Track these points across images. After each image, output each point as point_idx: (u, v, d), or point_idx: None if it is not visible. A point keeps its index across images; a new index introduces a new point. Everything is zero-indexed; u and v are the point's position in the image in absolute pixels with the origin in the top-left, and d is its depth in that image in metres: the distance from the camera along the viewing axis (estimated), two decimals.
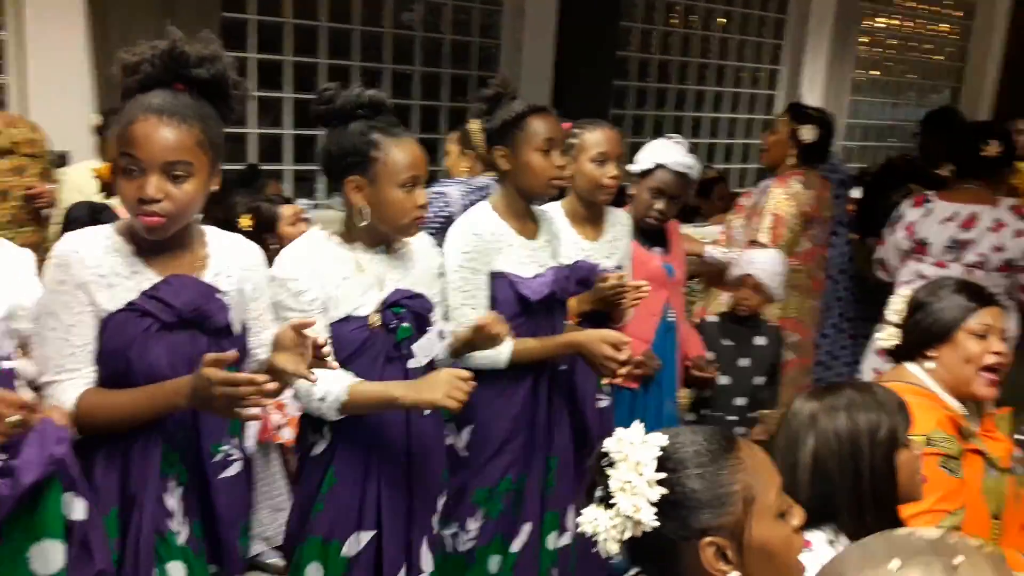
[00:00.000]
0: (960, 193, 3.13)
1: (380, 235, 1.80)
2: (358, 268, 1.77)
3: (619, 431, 1.10)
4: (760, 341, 2.95)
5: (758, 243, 3.20)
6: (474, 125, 2.15)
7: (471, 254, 2.02)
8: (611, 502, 1.06)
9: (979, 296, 1.91)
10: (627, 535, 1.06)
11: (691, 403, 2.92)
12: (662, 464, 1.07)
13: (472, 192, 2.96)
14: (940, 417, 1.80)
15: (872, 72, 6.91)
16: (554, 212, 2.32)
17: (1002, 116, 7.42)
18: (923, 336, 1.91)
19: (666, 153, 2.55)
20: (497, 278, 2.06)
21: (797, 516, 1.12)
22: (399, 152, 1.71)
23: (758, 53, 6.01)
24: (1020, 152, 4.53)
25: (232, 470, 1.56)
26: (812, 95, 6.22)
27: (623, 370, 2.04)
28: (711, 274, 3.26)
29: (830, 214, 3.51)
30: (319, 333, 1.57)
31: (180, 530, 1.49)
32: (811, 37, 6.03)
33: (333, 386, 1.67)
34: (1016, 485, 1.88)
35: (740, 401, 2.94)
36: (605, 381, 2.24)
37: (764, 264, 2.92)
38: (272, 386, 1.34)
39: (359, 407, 1.70)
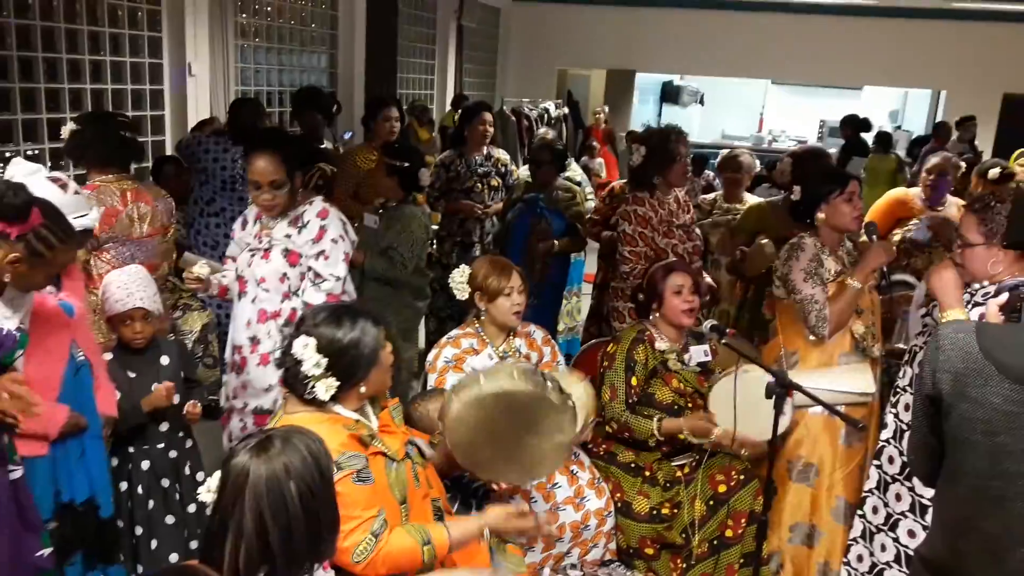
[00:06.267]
0: None
1: None
2: None
3: None
4: (165, 360, 2.93)
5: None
6: None
7: None
8: None
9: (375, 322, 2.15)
10: None
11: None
12: None
13: None
14: (343, 439, 2.02)
15: (256, 40, 7.19)
16: None
17: (370, 78, 8.52)
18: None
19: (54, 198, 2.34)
20: None
21: None
22: None
23: (134, 20, 5.74)
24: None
25: None
26: (199, 63, 6.23)
27: None
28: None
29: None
30: None
31: None
32: (189, 6, 6.00)
33: None
34: (412, 469, 2.21)
35: (164, 427, 2.90)
36: None
37: (150, 292, 2.90)
38: None
39: None
